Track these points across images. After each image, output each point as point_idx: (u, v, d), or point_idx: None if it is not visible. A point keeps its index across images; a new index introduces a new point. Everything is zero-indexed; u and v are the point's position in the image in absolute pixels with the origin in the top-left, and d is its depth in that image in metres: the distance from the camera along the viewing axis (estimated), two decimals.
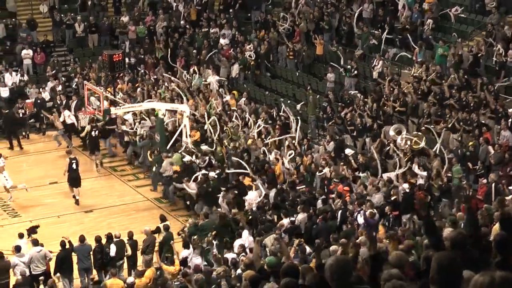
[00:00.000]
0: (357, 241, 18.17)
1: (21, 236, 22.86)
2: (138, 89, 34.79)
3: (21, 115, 34.30)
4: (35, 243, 22.06)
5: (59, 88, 36.53)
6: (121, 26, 40.95)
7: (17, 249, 21.95)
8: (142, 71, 37.51)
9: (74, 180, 28.07)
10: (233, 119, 30.84)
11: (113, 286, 20.19)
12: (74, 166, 28.09)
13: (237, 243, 21.86)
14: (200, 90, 34.35)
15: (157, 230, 23.42)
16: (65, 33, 40.94)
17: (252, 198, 25.03)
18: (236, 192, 25.77)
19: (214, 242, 22.70)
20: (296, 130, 28.92)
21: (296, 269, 16.17)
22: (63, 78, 37.52)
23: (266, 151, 27.93)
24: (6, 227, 25.85)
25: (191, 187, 26.58)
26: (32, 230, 23.33)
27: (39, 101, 35.70)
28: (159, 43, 39.29)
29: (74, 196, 28.00)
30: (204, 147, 28.70)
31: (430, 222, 20.27)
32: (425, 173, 24.42)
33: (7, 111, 34.34)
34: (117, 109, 31.02)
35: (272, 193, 25.36)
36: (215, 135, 29.47)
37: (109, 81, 34.37)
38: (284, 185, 25.69)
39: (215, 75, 35.34)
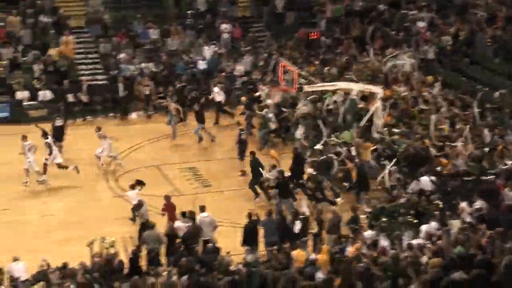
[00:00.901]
0: None
1: (133, 187, 24.65)
2: (325, 69, 34.61)
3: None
4: (202, 209, 22.72)
5: (260, 63, 37.04)
6: (319, 4, 41.03)
7: (183, 214, 22.75)
8: (337, 51, 37.41)
9: (242, 151, 28.60)
10: (421, 105, 30.17)
11: (299, 256, 20.42)
12: (243, 137, 28.80)
13: (423, 229, 21.47)
14: (391, 72, 33.74)
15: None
16: (263, 9, 41.47)
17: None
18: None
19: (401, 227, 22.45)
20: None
21: (488, 262, 15.75)
22: (265, 54, 38.00)
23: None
24: (197, 195, 26.57)
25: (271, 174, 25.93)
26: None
27: (229, 75, 36.41)
28: (356, 23, 39.08)
29: (243, 172, 28.33)
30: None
31: None
32: None
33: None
34: (310, 87, 31.13)
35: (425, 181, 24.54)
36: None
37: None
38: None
39: (411, 58, 34.75)
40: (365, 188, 25.64)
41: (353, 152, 26.92)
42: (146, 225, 22.71)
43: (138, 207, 23.68)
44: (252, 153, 27.18)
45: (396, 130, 28.10)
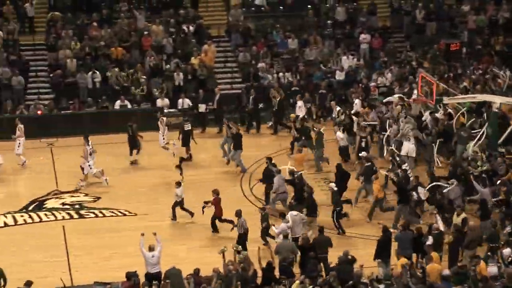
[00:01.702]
0: None
1: (179, 184, 25.52)
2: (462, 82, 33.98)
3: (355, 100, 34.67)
4: (291, 208, 23.40)
5: (389, 75, 36.63)
6: (461, 15, 40.24)
7: (282, 215, 23.36)
8: (472, 66, 36.56)
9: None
10: None
11: (433, 271, 20.23)
12: (363, 144, 28.94)
13: None
14: None
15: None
16: (403, 19, 41.02)
17: None
18: None
19: None
20: None
21: None
22: (402, 65, 37.59)
23: None
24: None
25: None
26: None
27: (366, 86, 36.14)
28: (499, 35, 38.13)
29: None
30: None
31: None
32: None
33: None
34: (450, 99, 30.58)
35: None
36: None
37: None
38: None
39: None
40: (402, 202, 25.08)
41: (405, 166, 26.53)
42: (244, 235, 22.89)
43: (237, 215, 23.67)
44: (269, 158, 27.39)
45: None
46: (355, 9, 41.11)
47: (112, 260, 23.43)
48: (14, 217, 26.59)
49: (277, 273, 20.87)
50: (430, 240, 21.94)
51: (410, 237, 22.19)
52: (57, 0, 39.60)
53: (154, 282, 20.24)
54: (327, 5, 41.33)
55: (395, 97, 32.43)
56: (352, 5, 41.28)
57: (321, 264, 21.40)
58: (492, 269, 20.43)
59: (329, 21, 40.45)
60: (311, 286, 19.51)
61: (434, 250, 21.70)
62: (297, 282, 19.77)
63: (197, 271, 20.39)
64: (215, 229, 24.99)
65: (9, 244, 24.61)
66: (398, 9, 41.20)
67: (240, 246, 21.57)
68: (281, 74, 37.20)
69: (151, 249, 21.25)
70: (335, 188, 25.25)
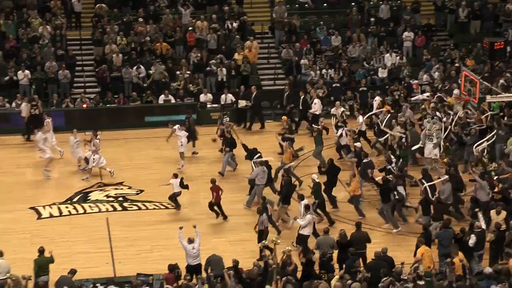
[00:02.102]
0: None
1: (176, 176, 26.47)
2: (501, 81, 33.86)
3: (397, 97, 34.61)
4: (302, 197, 24.07)
5: (437, 73, 36.55)
6: (506, 14, 39.98)
7: (306, 207, 23.49)
8: None
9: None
10: None
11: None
12: (403, 140, 28.86)
13: None
14: None
15: None
16: (447, 17, 40.90)
17: None
18: None
19: None
20: None
21: None
22: (447, 64, 37.46)
23: None
24: None
25: None
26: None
27: (408, 84, 36.12)
28: None
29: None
30: None
31: None
32: None
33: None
34: (493, 98, 30.46)
35: None
36: None
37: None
38: None
39: None
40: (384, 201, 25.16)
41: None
42: (263, 232, 23.06)
43: (259, 213, 23.78)
44: (254, 148, 28.07)
45: None
46: (399, 7, 41.02)
47: (154, 252, 23.77)
48: (59, 208, 27.12)
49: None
50: (473, 239, 21.92)
51: (451, 235, 22.19)
52: None
53: (197, 276, 20.60)
54: (371, 3, 41.33)
55: (424, 96, 32.48)
56: (396, 3, 41.21)
57: (360, 259, 21.54)
58: None
59: (372, 19, 40.40)
60: (350, 281, 19.65)
61: (477, 248, 21.82)
62: (337, 277, 19.96)
63: (235, 263, 20.56)
64: (216, 213, 25.87)
65: (54, 234, 25.08)
66: (442, 7, 41.05)
67: (279, 240, 21.73)
68: (324, 71, 37.30)
69: (190, 241, 21.54)
70: (317, 180, 25.47)
